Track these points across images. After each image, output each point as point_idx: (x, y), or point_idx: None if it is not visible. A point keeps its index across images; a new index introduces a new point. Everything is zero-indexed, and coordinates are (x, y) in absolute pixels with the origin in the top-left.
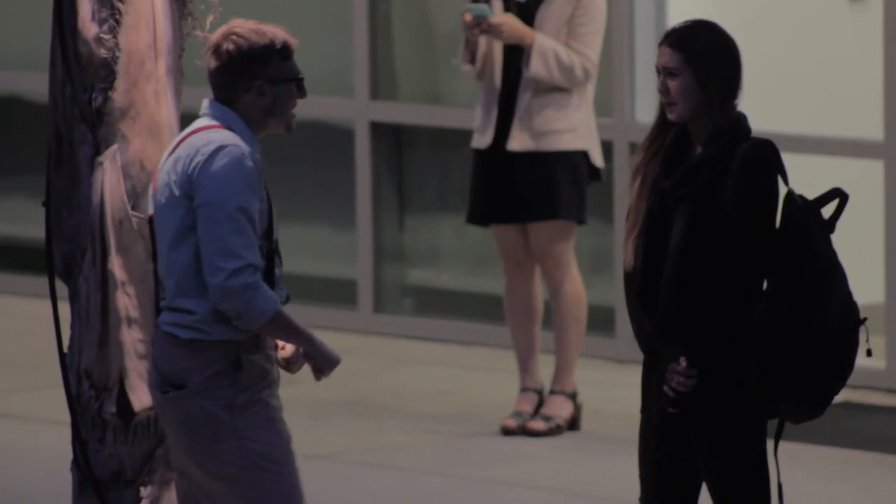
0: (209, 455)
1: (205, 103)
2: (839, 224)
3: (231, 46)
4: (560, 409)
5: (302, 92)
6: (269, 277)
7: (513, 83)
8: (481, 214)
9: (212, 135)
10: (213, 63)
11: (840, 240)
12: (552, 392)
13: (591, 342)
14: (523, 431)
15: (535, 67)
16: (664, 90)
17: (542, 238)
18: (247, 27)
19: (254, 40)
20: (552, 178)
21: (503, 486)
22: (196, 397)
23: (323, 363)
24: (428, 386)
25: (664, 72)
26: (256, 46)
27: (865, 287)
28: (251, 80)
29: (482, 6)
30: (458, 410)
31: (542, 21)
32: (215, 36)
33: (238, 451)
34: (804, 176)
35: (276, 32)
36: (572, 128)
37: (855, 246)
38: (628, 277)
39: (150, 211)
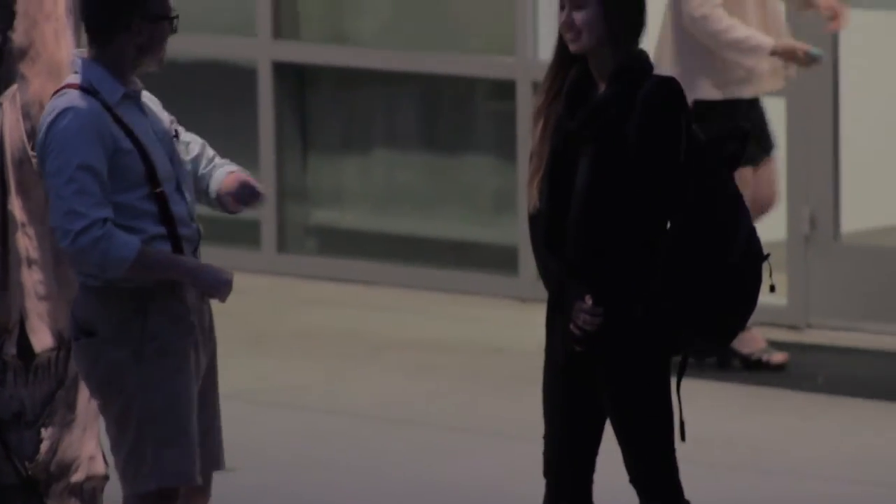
0: (113, 403)
1: (78, 59)
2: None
3: None
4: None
5: (174, 30)
6: (167, 219)
7: None
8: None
9: (57, 101)
10: (89, 5)
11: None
12: None
13: (495, 281)
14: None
15: None
16: (569, 22)
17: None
18: None
19: None
20: None
21: (405, 425)
22: (105, 344)
23: (212, 289)
24: (332, 326)
25: (570, 4)
26: None
27: (766, 224)
28: (129, 17)
29: (821, 50)
30: (362, 351)
31: None
32: None
33: (140, 401)
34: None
35: None
36: None
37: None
38: (533, 219)
39: None
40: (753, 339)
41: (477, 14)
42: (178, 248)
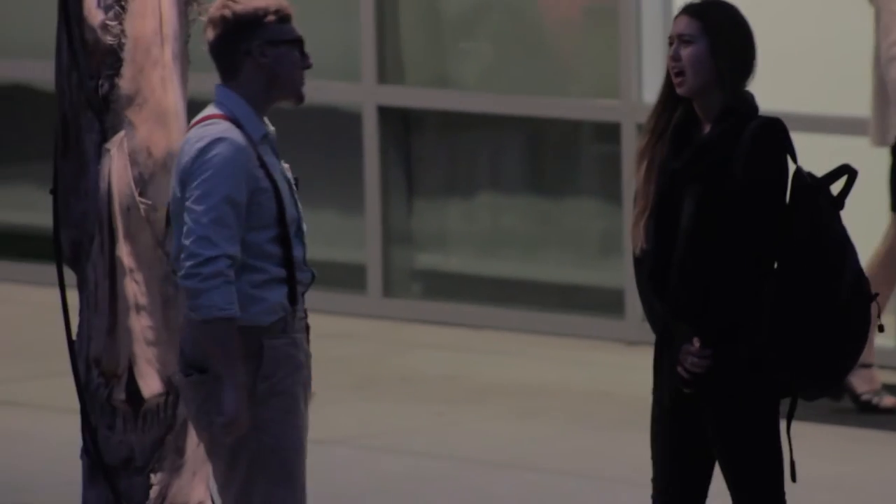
0: (221, 440)
1: (216, 89)
2: (850, 201)
3: (227, 12)
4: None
5: (305, 59)
6: (288, 262)
7: None
8: None
9: (207, 129)
10: (211, 34)
11: (850, 218)
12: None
13: (601, 324)
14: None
15: None
16: (675, 58)
17: None
18: None
19: (248, 3)
20: None
21: (513, 470)
22: (216, 382)
23: (224, 406)
24: (437, 370)
25: (678, 39)
26: (251, 8)
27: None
28: (250, 42)
29: None
30: (468, 394)
31: None
32: (211, 9)
33: (252, 442)
34: (815, 155)
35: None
36: None
37: (864, 224)
38: (638, 261)
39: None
40: (871, 379)
41: (581, 56)
42: (293, 292)
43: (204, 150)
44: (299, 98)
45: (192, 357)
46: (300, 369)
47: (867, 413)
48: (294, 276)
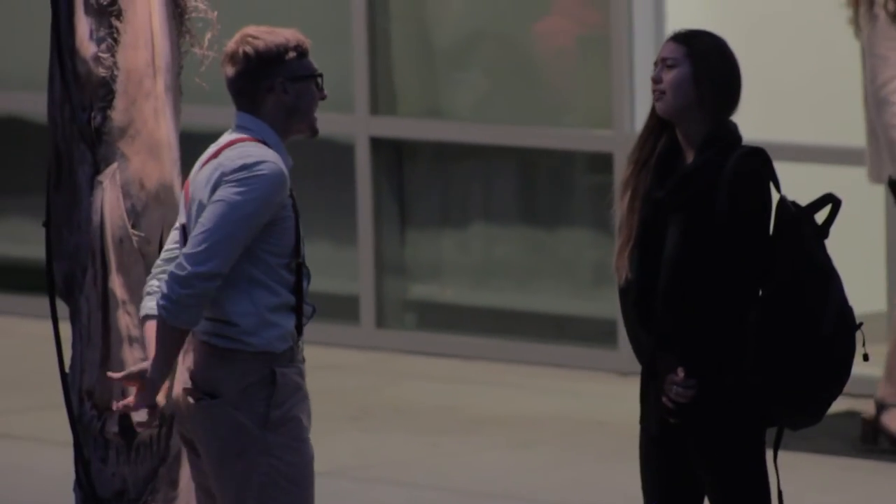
0: (232, 466)
1: (236, 116)
2: (841, 232)
3: (248, 48)
4: None
5: (321, 92)
6: (298, 291)
7: None
8: None
9: (250, 148)
10: (230, 70)
11: (841, 248)
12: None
13: (594, 355)
14: None
15: None
16: (657, 80)
17: None
18: (260, 30)
19: (269, 39)
20: None
21: (508, 500)
22: (229, 407)
23: (140, 399)
24: (431, 401)
25: (662, 63)
26: (273, 45)
27: (867, 296)
28: (272, 79)
29: None
30: (462, 425)
31: None
32: (230, 44)
33: (262, 468)
34: (805, 185)
35: (288, 32)
36: None
37: (856, 255)
38: (623, 291)
39: (182, 220)
40: None
41: (573, 87)
42: (300, 321)
43: (249, 166)
44: (314, 132)
45: (202, 379)
46: (306, 399)
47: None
48: (301, 306)
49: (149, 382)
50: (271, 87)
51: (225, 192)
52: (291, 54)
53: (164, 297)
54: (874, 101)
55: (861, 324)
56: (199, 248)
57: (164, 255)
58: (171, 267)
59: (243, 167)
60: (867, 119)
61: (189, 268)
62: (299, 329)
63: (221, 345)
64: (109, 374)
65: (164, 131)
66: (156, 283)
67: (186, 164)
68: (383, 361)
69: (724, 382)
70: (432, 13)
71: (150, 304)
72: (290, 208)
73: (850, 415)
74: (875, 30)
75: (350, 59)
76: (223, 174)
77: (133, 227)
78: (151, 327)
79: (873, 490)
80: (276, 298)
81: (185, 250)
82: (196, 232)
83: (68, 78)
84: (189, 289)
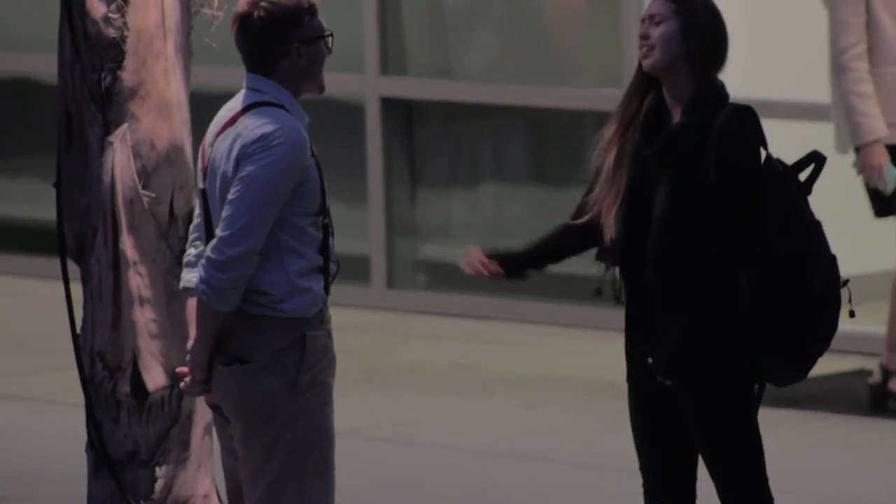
0: (259, 432)
1: (248, 78)
2: (857, 192)
3: (263, 13)
4: None
5: (329, 49)
6: (325, 251)
7: None
8: None
9: (267, 115)
10: (242, 33)
11: (853, 208)
12: None
13: (606, 314)
14: None
15: None
16: (645, 36)
17: None
18: None
19: (283, 3)
20: None
21: (520, 460)
22: (260, 372)
23: (191, 364)
24: (443, 361)
25: (650, 20)
26: (287, 9)
27: (879, 255)
28: (288, 44)
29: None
30: (474, 385)
31: None
32: (241, 6)
33: (289, 433)
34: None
35: None
36: None
37: (865, 213)
38: (607, 249)
39: (200, 184)
40: None
41: (584, 47)
42: (327, 282)
43: (268, 136)
44: (322, 89)
45: (233, 346)
46: (334, 361)
47: None
48: (328, 265)
49: (193, 363)
50: (287, 51)
51: (250, 167)
52: (304, 17)
53: (203, 282)
54: (834, 68)
55: (847, 280)
56: (234, 230)
57: (195, 220)
58: (207, 250)
59: (262, 137)
60: (832, 88)
61: (227, 251)
62: (327, 289)
63: (253, 311)
64: (178, 369)
65: (175, 92)
66: (193, 252)
67: (196, 125)
68: (394, 322)
69: (714, 339)
70: None
71: (188, 277)
72: (314, 168)
73: (861, 373)
74: None
75: (360, 19)
76: (244, 146)
77: (144, 187)
78: (192, 303)
79: (888, 449)
80: (305, 262)
81: (219, 232)
82: (228, 212)
83: (78, 39)
84: (228, 272)
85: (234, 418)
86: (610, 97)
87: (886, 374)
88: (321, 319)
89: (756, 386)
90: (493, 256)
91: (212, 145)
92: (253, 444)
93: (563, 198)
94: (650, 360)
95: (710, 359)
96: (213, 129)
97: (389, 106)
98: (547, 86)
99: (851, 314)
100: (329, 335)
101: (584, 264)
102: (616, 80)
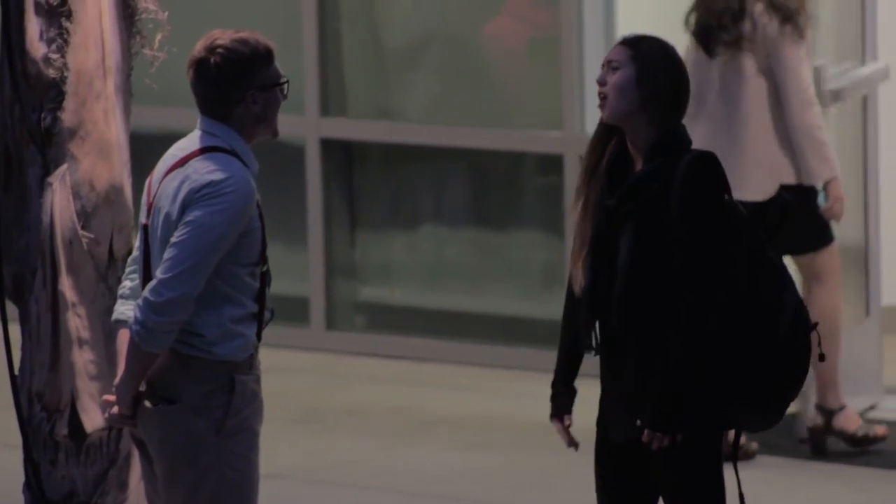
0: (183, 473)
1: (202, 121)
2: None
3: (219, 59)
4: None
5: (284, 95)
6: (261, 298)
7: None
8: None
9: (218, 161)
10: (198, 78)
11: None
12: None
13: (545, 356)
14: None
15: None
16: (601, 82)
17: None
18: (228, 37)
19: (240, 50)
20: None
21: (458, 503)
22: (187, 414)
23: (121, 406)
24: (381, 402)
25: (607, 65)
26: (244, 56)
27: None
28: (244, 91)
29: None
30: (413, 427)
31: None
32: (198, 50)
33: (212, 476)
34: None
35: (256, 38)
36: None
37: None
38: (577, 300)
39: (143, 219)
40: (852, 417)
41: (524, 89)
42: (260, 328)
43: (217, 183)
44: (275, 134)
45: (161, 385)
46: (261, 407)
47: (860, 447)
48: (263, 312)
49: (119, 398)
50: (242, 98)
51: (197, 212)
52: (261, 64)
53: (138, 322)
54: (797, 102)
55: (816, 324)
56: (175, 273)
57: (134, 254)
58: (145, 291)
59: (211, 183)
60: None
61: (165, 294)
62: (259, 335)
63: (184, 351)
64: (105, 397)
65: (115, 132)
66: (129, 284)
67: (137, 166)
68: (333, 363)
69: (677, 386)
70: (383, 14)
71: (121, 309)
72: (257, 219)
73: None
74: None
75: (300, 60)
76: (192, 190)
77: (83, 228)
78: (124, 334)
79: (832, 492)
80: (240, 310)
81: (159, 274)
82: (170, 255)
83: (18, 78)
84: (164, 316)
85: (158, 459)
86: (550, 139)
87: (829, 414)
88: (251, 364)
89: (724, 432)
90: (560, 412)
91: (159, 182)
92: (177, 486)
93: (502, 240)
94: (638, 422)
95: (674, 405)
96: (161, 165)
97: (329, 147)
98: (487, 127)
99: (821, 358)
100: (258, 381)
101: (521, 306)
102: (556, 122)
